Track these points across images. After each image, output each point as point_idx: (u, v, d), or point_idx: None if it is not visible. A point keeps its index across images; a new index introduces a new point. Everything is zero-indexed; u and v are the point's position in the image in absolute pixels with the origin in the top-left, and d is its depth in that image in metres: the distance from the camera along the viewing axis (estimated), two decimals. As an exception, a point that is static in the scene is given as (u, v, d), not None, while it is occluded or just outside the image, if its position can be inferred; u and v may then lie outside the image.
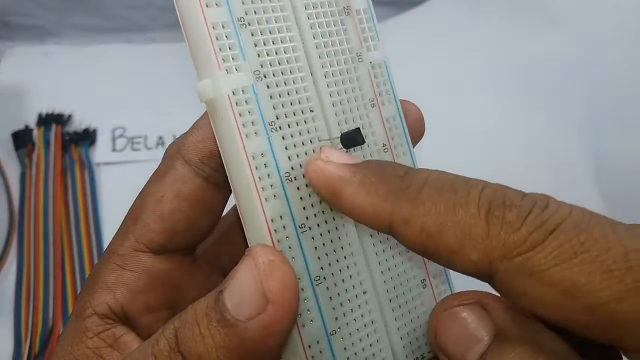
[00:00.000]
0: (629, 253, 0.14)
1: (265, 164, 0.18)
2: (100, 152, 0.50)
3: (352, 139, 0.20)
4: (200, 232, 0.22)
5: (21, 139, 0.47)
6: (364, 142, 0.20)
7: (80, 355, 0.20)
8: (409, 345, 0.21)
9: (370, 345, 0.20)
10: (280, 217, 0.18)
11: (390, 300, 0.21)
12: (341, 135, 0.20)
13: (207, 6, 0.17)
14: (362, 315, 0.20)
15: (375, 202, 0.17)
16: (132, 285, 0.21)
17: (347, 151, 0.20)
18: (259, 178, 0.18)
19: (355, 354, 0.19)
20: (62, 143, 0.48)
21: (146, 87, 0.53)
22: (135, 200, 0.22)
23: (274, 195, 0.18)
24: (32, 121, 0.49)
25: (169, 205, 0.21)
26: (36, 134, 0.48)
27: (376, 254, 0.21)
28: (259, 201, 0.18)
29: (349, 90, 0.20)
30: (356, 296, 0.20)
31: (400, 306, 0.21)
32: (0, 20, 0.55)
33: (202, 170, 0.21)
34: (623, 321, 0.14)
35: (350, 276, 0.20)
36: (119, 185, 0.48)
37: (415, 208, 0.16)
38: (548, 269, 0.15)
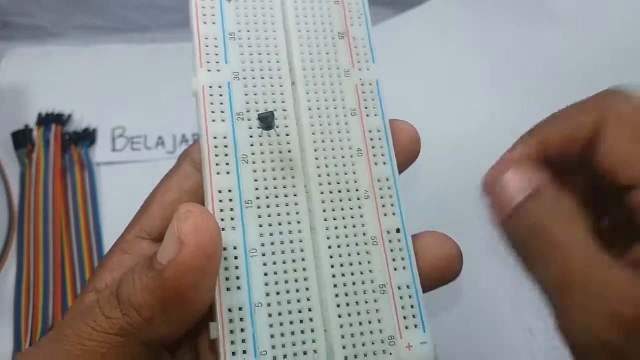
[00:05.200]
0: None
1: (225, 145, 0.21)
2: (100, 152, 0.50)
3: (265, 120, 0.21)
4: None
5: (21, 139, 0.47)
6: (273, 128, 0.22)
7: (69, 319, 0.21)
8: (351, 347, 0.20)
9: (302, 332, 0.20)
10: (230, 190, 0.21)
11: (336, 296, 0.21)
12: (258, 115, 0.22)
13: (204, 23, 0.23)
14: (298, 300, 0.20)
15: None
16: (129, 266, 0.22)
17: None
18: (216, 155, 0.21)
19: (282, 332, 0.20)
20: (62, 143, 0.48)
21: (146, 87, 0.53)
22: (147, 197, 0.24)
23: (227, 172, 0.21)
24: (32, 121, 0.49)
25: (171, 196, 0.23)
26: (36, 134, 0.48)
27: (329, 247, 0.21)
28: (209, 173, 0.21)
29: (329, 98, 0.23)
30: (296, 280, 0.20)
31: (348, 304, 0.21)
32: (0, 20, 0.55)
33: None
34: None
35: (294, 260, 0.21)
36: (119, 185, 0.48)
37: None
38: None
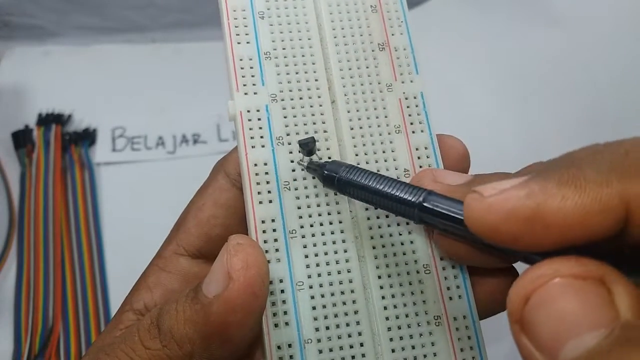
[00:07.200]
0: None
1: (266, 172, 0.20)
2: (100, 152, 0.50)
3: (306, 146, 0.21)
4: None
5: (21, 139, 0.47)
6: (314, 153, 0.21)
7: (106, 345, 0.21)
8: None
9: None
10: (273, 220, 0.20)
11: (388, 329, 0.20)
12: (299, 142, 0.21)
13: (238, 43, 0.21)
14: (349, 335, 0.19)
15: (594, 193, 0.13)
16: (167, 284, 0.22)
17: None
18: (257, 183, 0.20)
19: None
20: (62, 143, 0.48)
21: (146, 87, 0.53)
22: (183, 211, 0.24)
23: (270, 201, 0.20)
24: (32, 121, 0.49)
25: (207, 211, 0.23)
26: (36, 134, 0.48)
27: (379, 276, 0.20)
28: (251, 202, 0.20)
29: (371, 116, 0.22)
30: (345, 313, 0.19)
31: (401, 337, 0.20)
32: (0, 20, 0.55)
33: (238, 182, 0.22)
34: None
35: (342, 292, 0.20)
36: (119, 185, 0.48)
37: None
38: None
